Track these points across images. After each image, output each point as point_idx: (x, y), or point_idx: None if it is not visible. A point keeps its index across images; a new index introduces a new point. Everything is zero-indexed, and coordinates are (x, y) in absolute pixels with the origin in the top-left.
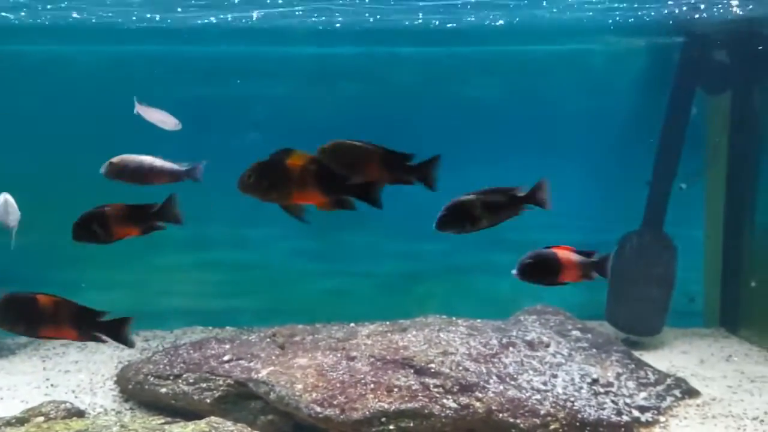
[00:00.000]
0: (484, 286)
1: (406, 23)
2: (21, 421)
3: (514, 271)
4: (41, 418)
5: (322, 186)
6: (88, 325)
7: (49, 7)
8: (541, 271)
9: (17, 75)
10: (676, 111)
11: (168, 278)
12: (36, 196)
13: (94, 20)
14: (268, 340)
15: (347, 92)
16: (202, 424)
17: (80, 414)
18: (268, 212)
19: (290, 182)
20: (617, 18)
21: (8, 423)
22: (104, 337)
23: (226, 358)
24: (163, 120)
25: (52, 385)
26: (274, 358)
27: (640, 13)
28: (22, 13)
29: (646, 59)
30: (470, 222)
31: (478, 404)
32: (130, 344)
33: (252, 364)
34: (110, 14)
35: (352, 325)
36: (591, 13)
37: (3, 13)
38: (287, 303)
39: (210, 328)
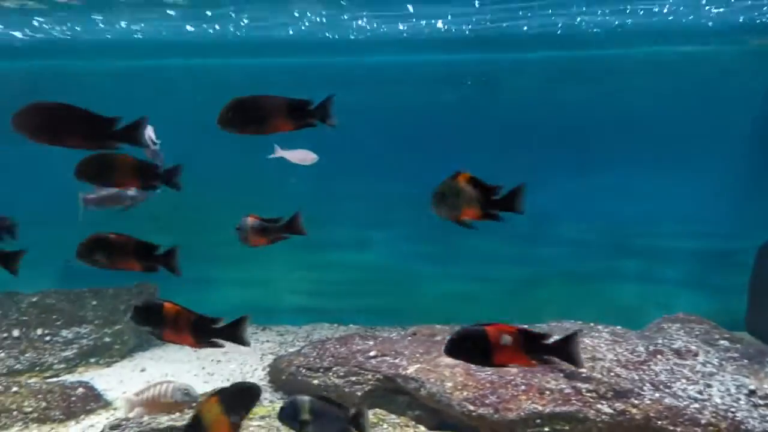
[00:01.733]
0: (608, 292)
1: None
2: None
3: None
4: None
5: (481, 203)
6: (205, 332)
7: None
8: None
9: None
10: None
11: (296, 277)
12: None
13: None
14: (409, 338)
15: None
16: (369, 414)
17: None
18: (390, 215)
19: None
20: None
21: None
22: (220, 342)
23: (372, 354)
24: (304, 158)
25: (208, 373)
26: (418, 356)
27: None
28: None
29: None
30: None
31: (634, 411)
32: (246, 344)
33: (398, 360)
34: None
35: None
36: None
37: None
38: (409, 304)
39: (335, 325)
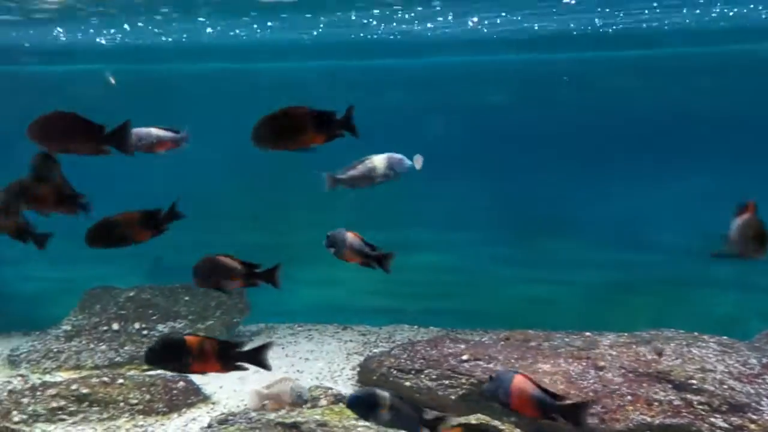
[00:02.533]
0: (703, 300)
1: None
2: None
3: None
4: (324, 401)
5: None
6: (230, 358)
7: None
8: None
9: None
10: None
11: (375, 278)
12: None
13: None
14: (502, 343)
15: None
16: (472, 419)
17: (343, 400)
18: (470, 218)
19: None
20: None
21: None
22: (245, 365)
23: (464, 357)
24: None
25: (298, 371)
26: (513, 361)
27: None
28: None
29: None
30: None
31: (753, 426)
32: (268, 368)
33: (492, 365)
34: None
35: (588, 334)
36: None
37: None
38: (488, 307)
39: (415, 327)
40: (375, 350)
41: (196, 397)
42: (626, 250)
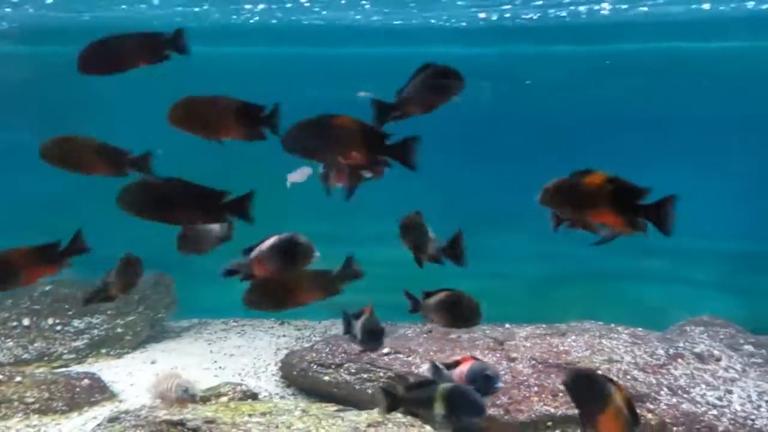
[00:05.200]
0: (632, 293)
1: None
2: (203, 399)
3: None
4: (224, 398)
5: (615, 206)
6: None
7: None
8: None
9: None
10: None
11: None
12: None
13: None
14: (425, 336)
15: None
16: (374, 413)
17: (254, 396)
18: (410, 211)
19: (585, 201)
20: None
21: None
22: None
23: (385, 350)
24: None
25: (220, 367)
26: (432, 353)
27: None
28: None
29: None
30: None
31: (650, 416)
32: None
33: (411, 358)
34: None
35: (507, 326)
36: None
37: None
38: None
39: None
40: (306, 345)
41: (101, 395)
42: (560, 243)
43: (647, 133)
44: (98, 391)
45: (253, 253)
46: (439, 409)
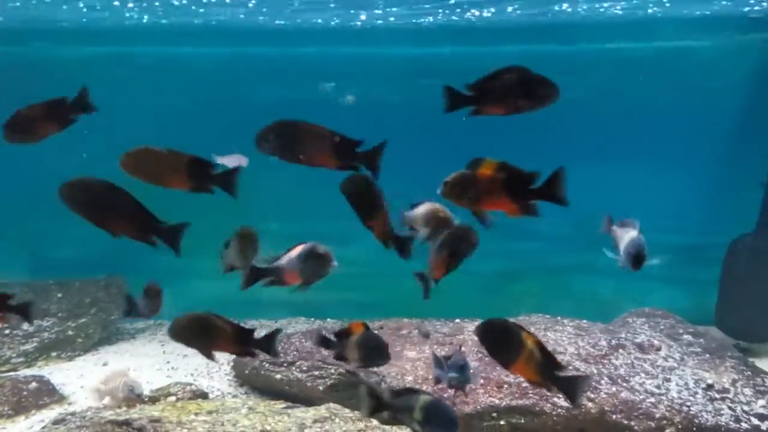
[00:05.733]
0: (583, 286)
1: None
2: (153, 399)
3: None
4: (173, 398)
5: (510, 194)
6: (245, 342)
7: None
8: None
9: None
10: None
11: None
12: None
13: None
14: (376, 332)
15: None
16: (322, 409)
17: (204, 395)
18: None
19: (480, 190)
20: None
21: (142, 401)
22: (256, 351)
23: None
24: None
25: (172, 368)
26: None
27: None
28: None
29: (757, 56)
30: None
31: (590, 404)
32: (275, 355)
33: None
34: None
35: (457, 320)
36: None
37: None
38: (386, 298)
39: (312, 319)
40: None
41: (50, 398)
42: (514, 239)
43: (596, 133)
44: (47, 394)
45: (284, 261)
46: (417, 416)
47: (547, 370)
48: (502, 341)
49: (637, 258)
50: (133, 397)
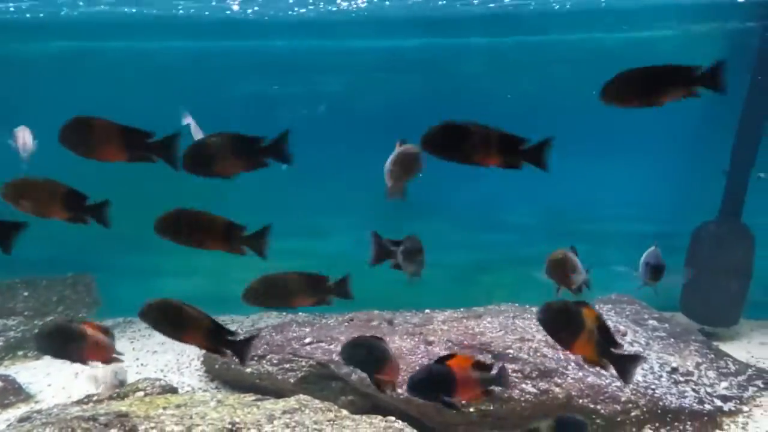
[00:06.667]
0: None
1: None
2: (122, 395)
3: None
4: (141, 393)
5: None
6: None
7: None
8: (435, 386)
9: None
10: (755, 99)
11: (244, 265)
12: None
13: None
14: (346, 324)
15: None
16: (291, 401)
17: (173, 390)
18: (337, 202)
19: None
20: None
21: (110, 397)
22: (228, 352)
23: (307, 340)
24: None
25: (142, 364)
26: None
27: None
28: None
29: (723, 45)
30: None
31: (557, 390)
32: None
33: (332, 346)
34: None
35: (427, 311)
36: None
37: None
38: (359, 291)
39: (284, 313)
40: None
41: (16, 397)
42: (484, 231)
43: (560, 124)
44: (12, 393)
45: (403, 248)
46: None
47: (605, 349)
48: (562, 322)
49: (656, 268)
50: (116, 384)
